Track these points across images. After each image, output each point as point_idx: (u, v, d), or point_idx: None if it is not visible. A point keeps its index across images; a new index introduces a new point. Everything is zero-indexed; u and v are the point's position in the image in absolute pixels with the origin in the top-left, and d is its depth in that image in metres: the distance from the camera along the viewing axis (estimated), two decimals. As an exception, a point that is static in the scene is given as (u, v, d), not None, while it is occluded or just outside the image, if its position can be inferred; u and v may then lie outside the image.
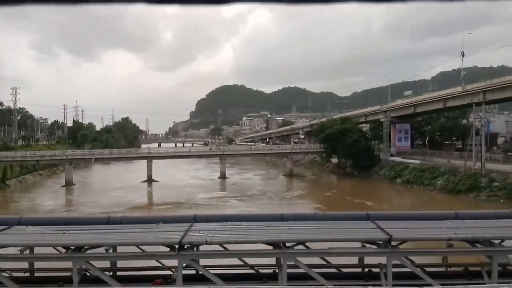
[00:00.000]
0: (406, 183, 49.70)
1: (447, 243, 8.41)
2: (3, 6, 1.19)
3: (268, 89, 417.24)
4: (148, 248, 7.87)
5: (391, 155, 63.61)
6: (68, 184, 51.49)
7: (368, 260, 8.66)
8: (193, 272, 7.99)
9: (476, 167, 44.02)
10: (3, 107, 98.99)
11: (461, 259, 9.16)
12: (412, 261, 8.13)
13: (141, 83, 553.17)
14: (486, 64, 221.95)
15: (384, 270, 7.66)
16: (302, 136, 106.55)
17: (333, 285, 6.52)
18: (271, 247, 7.61)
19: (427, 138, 66.00)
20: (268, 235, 7.87)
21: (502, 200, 37.66)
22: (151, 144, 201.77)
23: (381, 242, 7.56)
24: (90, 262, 7.58)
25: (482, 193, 40.32)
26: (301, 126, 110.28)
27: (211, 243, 7.74)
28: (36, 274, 8.94)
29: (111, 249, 8.34)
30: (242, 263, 8.83)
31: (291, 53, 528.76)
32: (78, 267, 7.50)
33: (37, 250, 8.14)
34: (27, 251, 8.08)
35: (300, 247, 8.01)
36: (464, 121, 74.25)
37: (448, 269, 8.99)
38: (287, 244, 7.57)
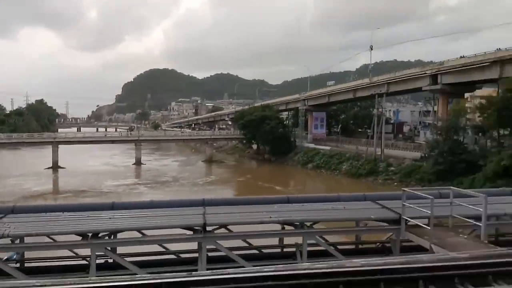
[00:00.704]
0: (316, 168, 52.15)
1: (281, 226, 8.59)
2: None
3: (200, 74, 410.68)
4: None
5: (307, 142, 66.26)
6: (-43, 170, 46.21)
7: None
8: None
9: (378, 153, 47.53)
10: None
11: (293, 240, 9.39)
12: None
13: (61, 63, 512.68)
14: (405, 58, 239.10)
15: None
16: (230, 123, 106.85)
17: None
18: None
19: (339, 126, 69.47)
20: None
21: (395, 183, 40.97)
22: (70, 128, 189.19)
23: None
24: None
25: (380, 177, 43.65)
26: (227, 112, 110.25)
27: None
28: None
29: (17, 240, 7.70)
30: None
31: (225, 39, 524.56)
32: None
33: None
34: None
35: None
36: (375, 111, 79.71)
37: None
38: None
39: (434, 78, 45.83)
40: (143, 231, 7.79)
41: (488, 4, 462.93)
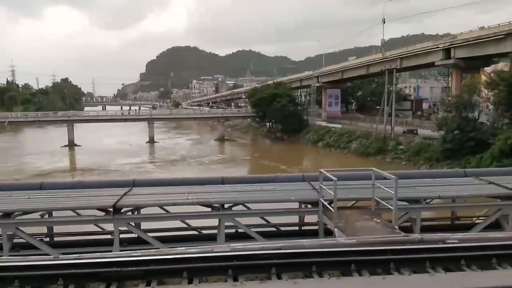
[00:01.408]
0: (326, 147, 51.68)
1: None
2: None
3: (222, 51, 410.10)
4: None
5: (322, 120, 65.44)
6: (-21, 149, 48.69)
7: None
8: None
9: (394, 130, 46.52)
10: None
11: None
12: None
13: (86, 42, 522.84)
14: (433, 31, 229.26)
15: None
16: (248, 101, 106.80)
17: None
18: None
19: (352, 104, 68.17)
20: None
21: (403, 162, 40.22)
22: (96, 107, 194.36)
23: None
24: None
25: (388, 155, 42.85)
26: (243, 90, 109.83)
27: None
28: None
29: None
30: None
31: (247, 15, 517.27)
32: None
33: None
34: None
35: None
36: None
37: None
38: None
39: (447, 52, 43.91)
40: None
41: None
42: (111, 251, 6.97)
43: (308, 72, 73.42)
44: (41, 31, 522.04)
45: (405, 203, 8.35)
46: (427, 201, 8.56)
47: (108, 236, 8.39)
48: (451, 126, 36.16)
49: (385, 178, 7.64)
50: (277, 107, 59.74)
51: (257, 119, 67.98)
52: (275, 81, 76.12)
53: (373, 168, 7.87)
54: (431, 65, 48.63)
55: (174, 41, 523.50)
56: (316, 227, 9.90)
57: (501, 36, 37.93)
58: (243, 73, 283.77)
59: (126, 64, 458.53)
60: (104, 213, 7.50)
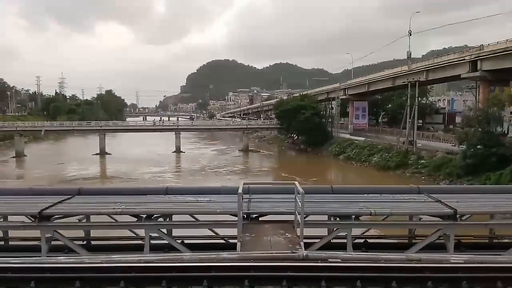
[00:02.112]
0: (347, 160, 50.93)
1: None
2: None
3: (259, 64, 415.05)
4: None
5: (349, 132, 64.54)
6: (18, 155, 52.33)
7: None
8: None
9: (419, 145, 45.11)
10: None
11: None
12: None
13: (132, 56, 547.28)
14: (478, 43, 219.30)
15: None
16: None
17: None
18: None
19: (380, 116, 66.81)
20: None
21: (423, 177, 38.87)
22: (138, 117, 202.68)
23: None
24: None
25: (409, 169, 41.59)
26: (272, 102, 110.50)
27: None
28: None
29: (85, 219, 8.72)
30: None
31: (285, 29, 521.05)
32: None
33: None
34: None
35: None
36: (424, 99, 75.18)
37: None
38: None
39: (474, 64, 42.32)
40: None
41: None
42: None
43: (335, 84, 72.92)
44: (91, 46, 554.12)
45: (338, 219, 8.40)
46: (361, 217, 8.37)
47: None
48: (472, 141, 34.68)
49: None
50: (300, 119, 59.74)
51: (282, 131, 68.19)
52: (301, 93, 76.17)
53: (296, 182, 7.90)
54: (457, 78, 46.88)
55: (215, 54, 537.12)
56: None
57: (530, 47, 36.22)
58: (280, 85, 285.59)
59: (169, 77, 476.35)
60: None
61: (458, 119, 73.97)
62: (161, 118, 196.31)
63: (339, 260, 5.46)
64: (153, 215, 8.11)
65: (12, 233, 9.50)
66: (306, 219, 7.48)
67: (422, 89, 74.03)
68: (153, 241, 8.34)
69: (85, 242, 9.18)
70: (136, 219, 8.07)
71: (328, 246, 8.04)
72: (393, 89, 62.28)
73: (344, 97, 70.60)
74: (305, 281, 4.93)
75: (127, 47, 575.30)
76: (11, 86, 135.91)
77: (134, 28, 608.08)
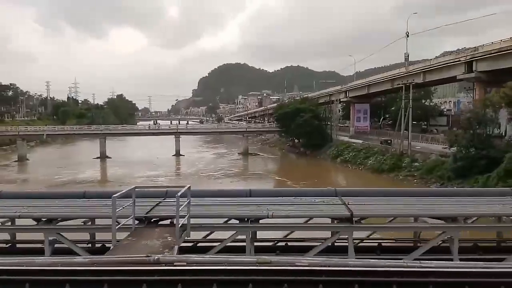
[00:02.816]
0: (343, 162, 50.63)
1: None
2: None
3: (271, 67, 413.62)
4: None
5: (349, 135, 64.09)
6: (21, 159, 53.60)
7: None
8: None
9: (418, 147, 44.60)
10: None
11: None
12: None
13: (146, 60, 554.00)
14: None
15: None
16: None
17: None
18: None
19: (381, 119, 66.16)
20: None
21: (415, 180, 38.41)
22: (149, 121, 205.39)
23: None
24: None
25: (402, 172, 41.10)
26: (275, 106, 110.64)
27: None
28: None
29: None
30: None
31: (297, 31, 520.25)
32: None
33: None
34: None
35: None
36: (427, 101, 74.20)
37: None
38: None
39: (469, 65, 41.69)
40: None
41: None
42: None
43: (337, 86, 72.64)
44: (106, 51, 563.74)
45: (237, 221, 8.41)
46: (261, 220, 8.23)
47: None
48: (462, 143, 34.13)
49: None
50: (299, 122, 59.66)
51: (282, 134, 68.16)
52: (301, 96, 76.07)
53: (189, 185, 7.96)
54: (454, 79, 46.22)
55: (227, 58, 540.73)
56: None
57: (524, 47, 35.55)
58: (291, 88, 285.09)
59: (182, 81, 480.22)
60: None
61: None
62: (171, 122, 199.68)
63: (185, 264, 5.38)
64: (55, 219, 8.30)
65: None
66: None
67: (426, 91, 73.52)
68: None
69: None
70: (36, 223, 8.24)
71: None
72: (392, 91, 61.69)
73: (345, 99, 70.26)
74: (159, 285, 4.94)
75: (141, 51, 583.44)
76: (24, 91, 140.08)
77: (148, 33, 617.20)
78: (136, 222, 7.94)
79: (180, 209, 7.06)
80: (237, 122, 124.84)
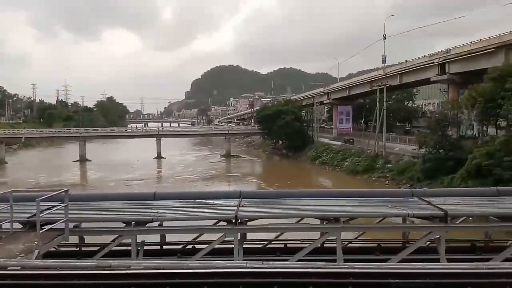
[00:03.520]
0: (322, 164, 50.80)
1: None
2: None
3: (264, 69, 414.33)
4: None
5: (333, 136, 64.32)
6: (-1, 163, 53.39)
7: None
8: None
9: (396, 149, 44.78)
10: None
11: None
12: None
13: (140, 62, 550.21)
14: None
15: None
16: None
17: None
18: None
19: (362, 120, 66.45)
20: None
21: (387, 182, 38.61)
22: (140, 124, 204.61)
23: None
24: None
25: (375, 174, 41.31)
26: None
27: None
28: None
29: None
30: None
31: (291, 33, 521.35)
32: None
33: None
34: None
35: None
36: (410, 103, 74.78)
37: None
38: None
39: (442, 67, 42.08)
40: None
41: None
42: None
43: (320, 89, 72.95)
44: (99, 53, 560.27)
45: (123, 224, 8.25)
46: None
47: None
48: (429, 144, 34.42)
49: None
50: (280, 123, 59.81)
51: (265, 136, 68.28)
52: (285, 98, 76.30)
53: (67, 189, 7.75)
54: (428, 81, 46.57)
55: (220, 60, 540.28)
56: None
57: (492, 50, 35.96)
58: (284, 90, 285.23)
59: (175, 83, 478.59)
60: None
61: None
62: (162, 124, 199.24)
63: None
64: None
65: None
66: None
67: (408, 92, 73.99)
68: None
69: None
70: None
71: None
72: (372, 93, 62.04)
73: (328, 101, 70.61)
74: None
75: (134, 54, 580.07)
76: (12, 94, 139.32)
77: (142, 35, 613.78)
78: (21, 226, 7.97)
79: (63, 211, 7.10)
80: (226, 124, 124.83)
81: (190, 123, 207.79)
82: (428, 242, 8.67)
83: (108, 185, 39.10)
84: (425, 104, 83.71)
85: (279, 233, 9.36)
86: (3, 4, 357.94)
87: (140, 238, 8.19)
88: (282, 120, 59.97)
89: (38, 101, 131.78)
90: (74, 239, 8.84)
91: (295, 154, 60.74)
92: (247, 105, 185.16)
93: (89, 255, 8.44)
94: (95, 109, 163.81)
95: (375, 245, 9.21)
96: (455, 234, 10.02)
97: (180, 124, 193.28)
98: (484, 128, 35.91)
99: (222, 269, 4.36)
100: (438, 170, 33.31)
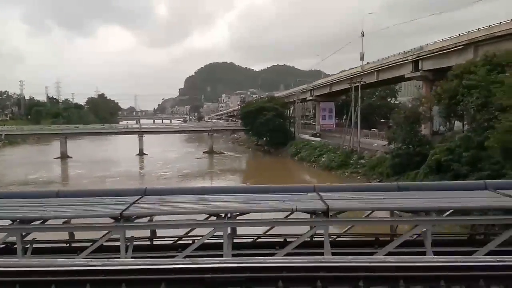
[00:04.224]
0: (300, 160, 51.22)
1: None
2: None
3: (258, 66, 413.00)
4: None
5: (316, 133, 64.58)
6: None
7: None
8: None
9: (375, 144, 45.15)
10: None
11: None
12: None
13: (134, 59, 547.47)
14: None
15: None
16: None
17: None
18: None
19: (344, 117, 66.81)
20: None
21: (359, 177, 39.09)
22: (132, 121, 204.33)
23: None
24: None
25: (348, 169, 41.78)
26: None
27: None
28: None
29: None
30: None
31: (285, 30, 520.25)
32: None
33: None
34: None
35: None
36: (392, 100, 75.30)
37: None
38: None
39: (416, 64, 42.49)
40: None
41: None
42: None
43: (303, 86, 73.26)
44: (93, 50, 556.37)
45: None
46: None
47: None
48: (398, 140, 34.88)
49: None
50: (262, 120, 60.13)
51: (248, 132, 68.54)
52: (268, 95, 76.63)
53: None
54: (403, 78, 47.01)
55: (214, 57, 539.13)
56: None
57: (461, 46, 36.37)
58: (277, 87, 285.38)
59: (169, 80, 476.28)
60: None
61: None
62: (154, 121, 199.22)
63: None
64: None
65: None
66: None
67: (391, 89, 74.52)
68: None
69: None
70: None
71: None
72: (350, 91, 62.48)
73: (311, 98, 70.96)
74: None
75: (129, 50, 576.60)
76: (2, 91, 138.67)
77: (136, 32, 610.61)
78: None
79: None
80: (216, 120, 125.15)
81: (182, 119, 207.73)
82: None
83: (82, 182, 39.22)
84: (409, 101, 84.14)
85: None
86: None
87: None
88: (264, 117, 60.29)
89: (28, 98, 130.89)
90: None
91: (277, 150, 61.17)
92: (239, 102, 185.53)
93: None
94: (86, 106, 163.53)
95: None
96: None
97: (173, 121, 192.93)
98: (452, 124, 36.32)
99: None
100: (407, 166, 33.80)
